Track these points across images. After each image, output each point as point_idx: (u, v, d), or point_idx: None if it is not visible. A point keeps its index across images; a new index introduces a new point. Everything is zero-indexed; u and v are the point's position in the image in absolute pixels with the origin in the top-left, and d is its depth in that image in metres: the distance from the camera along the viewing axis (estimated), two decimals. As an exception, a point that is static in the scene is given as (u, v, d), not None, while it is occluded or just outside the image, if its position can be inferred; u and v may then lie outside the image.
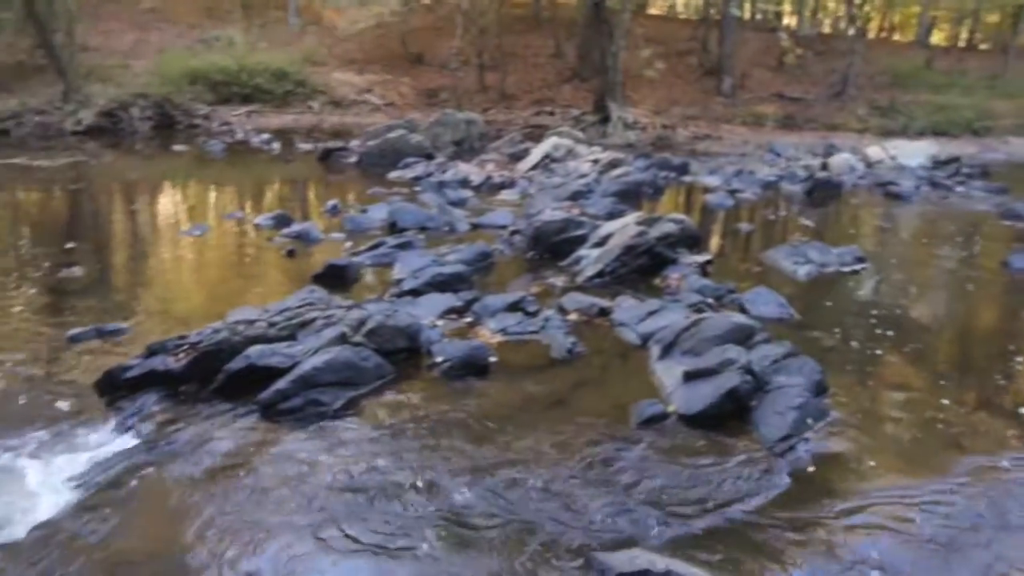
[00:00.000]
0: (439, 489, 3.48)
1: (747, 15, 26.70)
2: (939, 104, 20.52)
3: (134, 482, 3.49)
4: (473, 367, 4.72)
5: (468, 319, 5.59)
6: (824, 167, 13.72)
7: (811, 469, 3.80)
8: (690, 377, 4.50)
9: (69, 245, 7.42)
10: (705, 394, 4.30)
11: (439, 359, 4.76)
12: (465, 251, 7.06)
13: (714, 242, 8.89)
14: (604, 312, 5.79)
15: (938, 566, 3.12)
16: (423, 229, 8.20)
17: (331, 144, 14.33)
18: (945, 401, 4.60)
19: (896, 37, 30.78)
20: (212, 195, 11.31)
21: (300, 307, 5.01)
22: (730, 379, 4.34)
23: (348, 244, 7.66)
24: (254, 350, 4.40)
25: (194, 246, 7.72)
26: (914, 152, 15.12)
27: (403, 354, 4.85)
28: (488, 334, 5.29)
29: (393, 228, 8.28)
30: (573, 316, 5.72)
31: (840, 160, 14.08)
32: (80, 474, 3.53)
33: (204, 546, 3.05)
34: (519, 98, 21.46)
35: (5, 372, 4.54)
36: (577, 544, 3.14)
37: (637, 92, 20.56)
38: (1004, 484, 3.71)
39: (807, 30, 26.33)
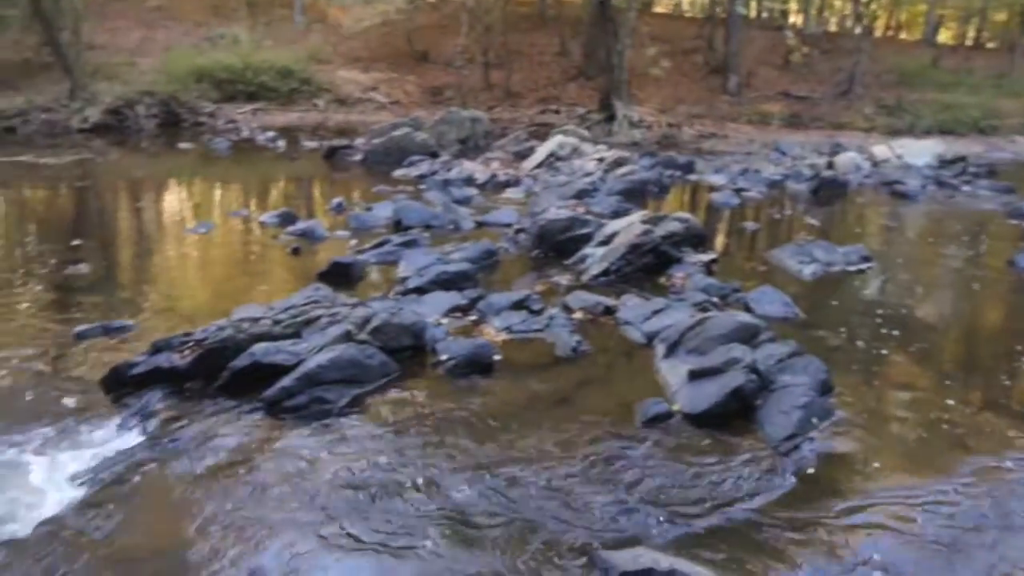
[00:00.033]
0: (443, 487, 3.49)
1: (753, 13, 26.64)
2: (946, 103, 20.44)
3: (139, 479, 3.50)
4: (478, 365, 4.72)
5: (473, 317, 5.59)
6: (830, 166, 13.68)
7: (816, 469, 3.79)
8: (695, 376, 4.49)
9: (75, 242, 7.45)
10: (710, 393, 4.29)
11: (444, 357, 4.77)
12: (470, 249, 7.06)
13: (719, 241, 8.87)
14: (609, 311, 5.78)
15: (942, 567, 3.11)
16: (428, 227, 8.21)
17: (336, 142, 14.34)
18: (950, 401, 4.58)
19: (903, 35, 30.66)
20: (217, 193, 11.33)
21: (305, 305, 5.02)
22: (735, 378, 4.33)
23: (353, 242, 7.67)
24: (259, 347, 4.41)
25: (199, 244, 7.74)
26: (920, 151, 15.07)
27: (408, 352, 4.85)
28: (493, 332, 5.29)
29: (398, 226, 8.29)
30: (578, 314, 5.71)
31: (846, 159, 14.04)
32: (86, 470, 3.54)
33: (209, 543, 3.06)
34: (524, 96, 21.45)
35: (12, 368, 4.56)
36: (581, 542, 3.14)
37: (643, 90, 20.53)
38: (1009, 485, 3.69)
39: (813, 28, 26.26)
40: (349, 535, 3.13)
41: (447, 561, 3.00)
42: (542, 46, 24.05)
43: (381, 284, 6.44)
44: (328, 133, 16.80)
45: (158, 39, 21.28)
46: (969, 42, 28.85)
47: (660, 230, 7.13)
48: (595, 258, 6.99)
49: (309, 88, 20.09)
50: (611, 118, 17.67)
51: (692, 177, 12.87)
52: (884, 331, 5.73)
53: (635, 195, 10.54)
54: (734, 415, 4.21)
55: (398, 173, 11.86)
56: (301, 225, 8.08)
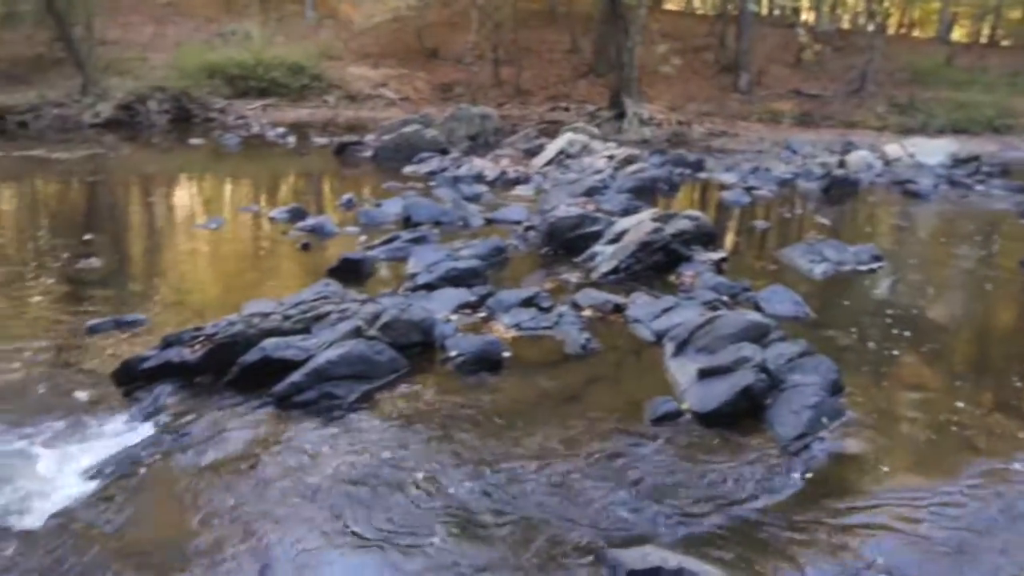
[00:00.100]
0: (451, 483, 3.49)
1: (765, 11, 26.48)
2: (960, 101, 20.27)
3: (149, 472, 3.52)
4: (487, 362, 4.72)
5: (482, 314, 5.59)
6: (841, 165, 13.59)
7: (826, 469, 3.78)
8: (704, 375, 4.48)
9: (87, 236, 7.49)
10: (719, 392, 4.28)
11: (453, 353, 4.77)
12: (479, 246, 7.06)
13: (729, 239, 8.84)
14: (618, 308, 5.77)
15: (950, 569, 3.09)
16: (437, 224, 8.21)
17: (346, 138, 14.37)
18: (961, 402, 4.55)
19: (916, 33, 30.42)
20: (228, 188, 11.37)
21: (315, 300, 5.03)
22: (745, 377, 4.31)
23: (363, 238, 7.69)
24: (269, 343, 4.43)
25: (210, 239, 7.77)
26: (933, 150, 14.96)
27: (417, 348, 4.86)
28: (502, 329, 5.29)
29: (407, 222, 8.30)
30: (587, 312, 5.71)
31: (858, 158, 13.96)
32: (96, 463, 3.57)
33: (217, 536, 3.07)
34: (534, 93, 21.42)
35: (25, 360, 4.59)
36: (588, 540, 3.13)
37: (653, 88, 20.46)
38: (1019, 487, 3.66)
39: (826, 26, 26.08)
40: (356, 531, 3.14)
41: (454, 558, 3.01)
42: (552, 43, 24.00)
43: (390, 280, 6.45)
44: (338, 129, 16.82)
45: (170, 35, 21.37)
46: (984, 40, 28.58)
47: (670, 228, 7.11)
48: (604, 256, 6.98)
49: (319, 84, 20.12)
50: (621, 116, 17.62)
51: (702, 175, 12.81)
52: (895, 331, 5.69)
53: (645, 193, 10.51)
54: (743, 414, 4.20)
55: (408, 170, 11.87)
56: (311, 221, 8.10)
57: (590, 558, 3.03)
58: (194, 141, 14.77)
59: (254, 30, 21.24)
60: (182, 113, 16.99)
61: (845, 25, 28.55)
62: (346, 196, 9.51)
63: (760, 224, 9.38)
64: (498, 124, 15.81)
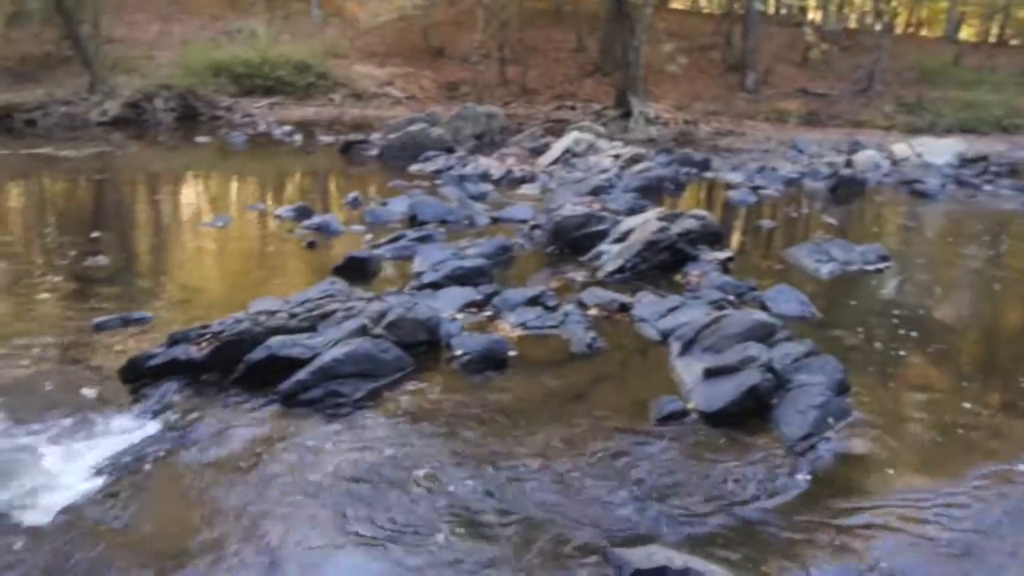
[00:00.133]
0: (456, 482, 3.49)
1: (771, 10, 26.42)
2: (968, 101, 20.18)
3: (156, 469, 3.53)
4: (492, 361, 4.72)
5: (488, 313, 5.59)
6: (848, 164, 13.55)
7: (832, 469, 3.77)
8: (710, 374, 4.47)
9: (95, 234, 7.51)
10: (725, 391, 4.27)
11: (458, 352, 4.77)
12: (485, 245, 7.06)
13: (736, 239, 8.82)
14: (624, 308, 5.77)
15: (955, 571, 3.08)
16: (443, 222, 8.21)
17: (352, 137, 14.38)
18: (968, 403, 4.53)
19: (924, 32, 30.29)
20: (234, 186, 11.40)
21: (321, 299, 5.04)
22: (751, 377, 4.30)
23: (368, 236, 7.69)
24: (275, 341, 4.43)
25: (216, 237, 7.79)
26: (941, 149, 14.89)
27: (423, 347, 4.86)
28: (508, 328, 5.29)
29: (413, 221, 8.30)
30: (593, 311, 5.70)
31: (865, 157, 13.91)
32: (103, 460, 3.58)
33: (223, 533, 3.08)
34: (540, 92, 21.40)
35: (33, 357, 4.61)
36: (594, 540, 3.13)
37: (659, 87, 20.43)
38: (1026, 489, 3.65)
39: (833, 25, 25.98)
40: (361, 528, 3.14)
41: (459, 556, 3.01)
42: (558, 42, 23.98)
43: (396, 279, 6.46)
44: (344, 128, 16.85)
45: (176, 33, 21.42)
46: (992, 39, 28.46)
47: (676, 227, 7.10)
48: (610, 255, 6.97)
49: (325, 83, 20.14)
50: (627, 115, 17.59)
51: (708, 174, 12.79)
52: (902, 331, 5.67)
53: (651, 192, 10.49)
54: (749, 414, 4.18)
55: (414, 168, 11.88)
56: (317, 219, 8.11)
57: (595, 557, 3.03)
58: (200, 139, 14.81)
59: (260, 28, 21.27)
60: (188, 111, 17.03)
61: (852, 24, 28.42)
62: (352, 194, 9.52)
63: (766, 223, 9.36)
64: (504, 123, 15.80)
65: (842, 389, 4.45)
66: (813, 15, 28.03)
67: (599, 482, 3.54)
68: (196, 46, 19.83)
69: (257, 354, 4.36)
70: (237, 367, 4.35)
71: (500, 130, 15.33)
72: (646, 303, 5.84)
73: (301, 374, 4.23)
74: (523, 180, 11.30)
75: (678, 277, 6.71)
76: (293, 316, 4.77)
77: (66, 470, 3.49)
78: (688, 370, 4.69)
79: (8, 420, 3.87)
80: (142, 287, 6.19)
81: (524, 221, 8.41)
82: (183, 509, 3.26)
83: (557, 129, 15.57)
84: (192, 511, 3.23)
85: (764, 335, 4.90)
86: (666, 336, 5.23)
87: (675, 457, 3.79)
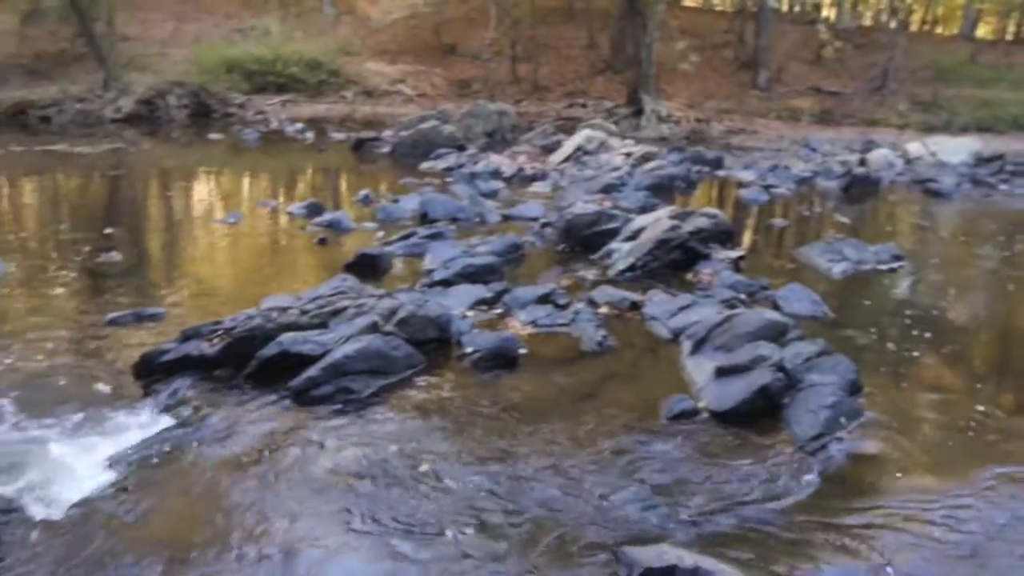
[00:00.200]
0: (466, 479, 3.49)
1: (784, 7, 26.24)
2: (984, 99, 19.98)
3: (167, 464, 3.55)
4: (503, 358, 4.72)
5: (498, 310, 5.59)
6: (862, 163, 13.46)
7: (843, 469, 3.75)
8: (721, 373, 4.45)
9: (108, 230, 7.57)
10: (736, 391, 4.25)
11: (469, 350, 4.77)
12: (496, 242, 7.06)
13: (747, 238, 8.78)
14: (635, 306, 5.75)
15: (964, 572, 3.05)
16: (454, 220, 8.22)
17: (364, 134, 14.42)
18: (981, 404, 4.49)
19: (939, 30, 30.01)
20: (246, 183, 11.46)
21: (332, 295, 5.06)
22: (762, 376, 4.29)
23: (380, 234, 7.71)
24: (286, 337, 4.45)
25: (228, 233, 7.82)
26: (956, 148, 14.76)
27: (433, 344, 4.87)
28: (518, 326, 5.29)
29: (424, 218, 8.31)
30: (604, 309, 5.69)
31: (878, 156, 13.81)
32: (116, 455, 3.60)
33: (234, 528, 3.10)
34: (552, 90, 21.37)
35: (47, 352, 4.65)
36: (604, 538, 3.13)
37: (671, 85, 20.35)
38: (1040, 491, 3.61)
39: (847, 22, 25.77)
40: (370, 525, 3.15)
41: (468, 553, 3.01)
42: (570, 39, 23.92)
43: (407, 276, 6.47)
44: (355, 125, 16.89)
45: (189, 30, 21.53)
46: (1009, 37, 28.16)
47: (688, 226, 7.08)
48: (621, 253, 6.96)
49: (337, 80, 20.20)
50: (639, 112, 17.53)
51: (720, 173, 12.73)
52: (915, 332, 5.63)
53: (663, 190, 10.46)
54: (761, 413, 4.17)
55: (425, 166, 11.89)
56: (328, 216, 8.14)
57: (605, 555, 3.02)
58: (213, 136, 14.88)
59: (273, 25, 21.35)
60: (201, 108, 17.12)
61: (866, 22, 28.21)
62: (363, 192, 9.54)
63: (778, 222, 9.31)
64: (515, 120, 15.80)
65: (854, 389, 4.43)
66: (827, 12, 27.82)
67: (609, 480, 3.53)
68: (210, 43, 19.93)
69: (269, 350, 4.38)
70: (249, 363, 4.37)
71: (511, 128, 15.33)
72: (657, 301, 5.82)
73: (312, 371, 4.25)
74: (534, 178, 11.30)
75: (689, 276, 6.69)
76: (305, 313, 4.79)
77: (79, 464, 3.51)
78: (699, 369, 4.68)
79: (22, 414, 3.90)
80: (155, 283, 6.24)
81: (535, 219, 8.41)
82: (195, 504, 3.29)
83: (568, 127, 15.54)
84: (203, 506, 3.26)
85: (776, 334, 4.88)
86: (677, 335, 5.22)
87: (685, 456, 3.78)
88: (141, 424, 3.89)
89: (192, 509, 3.26)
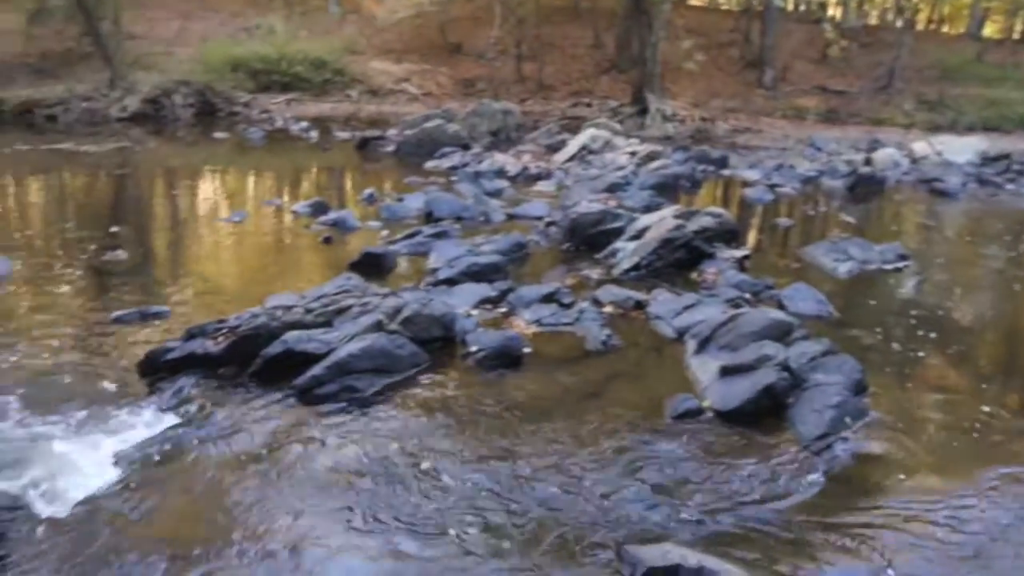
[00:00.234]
0: (469, 478, 3.49)
1: (790, 6, 26.18)
2: (991, 98, 19.89)
3: (172, 462, 3.56)
4: (507, 357, 4.72)
5: (503, 309, 5.59)
6: (867, 162, 13.43)
7: (847, 469, 3.74)
8: (726, 372, 4.45)
9: (113, 229, 7.59)
10: (741, 390, 4.25)
11: (473, 348, 4.77)
12: (500, 241, 7.06)
13: (752, 237, 8.77)
14: (640, 305, 5.75)
15: (971, 574, 3.04)
16: (459, 219, 8.22)
17: (368, 133, 14.42)
18: (987, 405, 4.47)
19: (946, 29, 29.90)
20: (251, 182, 11.47)
21: (337, 294, 5.06)
22: (767, 375, 4.28)
23: (384, 232, 7.71)
24: (291, 335, 4.46)
25: (233, 232, 7.84)
26: (962, 148, 14.71)
27: (438, 343, 4.87)
28: (523, 325, 5.29)
29: (429, 217, 8.32)
30: (608, 308, 5.69)
31: (884, 155, 13.77)
32: (120, 453, 3.61)
33: (237, 526, 3.10)
34: (556, 89, 21.35)
35: (52, 350, 4.66)
36: (608, 537, 3.12)
37: (676, 84, 20.31)
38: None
39: (853, 21, 25.71)
40: (373, 523, 3.15)
41: (472, 551, 3.01)
42: (575, 38, 23.90)
43: (412, 275, 6.47)
44: (360, 124, 16.90)
45: (195, 29, 21.57)
46: (1016, 35, 28.03)
47: (692, 225, 7.07)
48: (626, 252, 6.95)
49: (342, 79, 20.21)
50: (644, 112, 17.51)
51: (725, 172, 12.71)
52: (920, 332, 5.61)
53: (667, 189, 10.44)
54: (765, 413, 4.16)
55: (429, 164, 11.89)
56: (333, 215, 8.14)
57: (609, 554, 3.02)
58: (218, 135, 14.90)
59: (278, 24, 21.37)
60: (207, 107, 17.15)
61: (873, 21, 28.12)
62: (368, 191, 9.54)
63: (784, 222, 9.28)
64: (520, 119, 15.79)
65: (860, 389, 4.41)
66: (833, 11, 27.75)
67: (613, 479, 3.53)
68: (215, 42, 19.96)
69: (273, 349, 4.38)
70: (253, 361, 4.38)
71: (516, 127, 15.32)
72: (662, 301, 5.81)
73: (317, 369, 4.26)
74: (539, 177, 11.29)
75: (694, 275, 6.68)
76: (309, 311, 4.79)
77: (84, 461, 3.52)
78: (704, 368, 4.67)
79: (28, 411, 3.91)
80: (160, 281, 6.25)
81: (540, 218, 8.40)
82: (199, 502, 3.29)
83: (573, 126, 15.53)
84: (208, 504, 3.26)
85: (781, 334, 4.87)
86: (682, 334, 5.21)
87: (690, 455, 3.77)
88: (146, 422, 3.89)
89: (196, 507, 3.26)
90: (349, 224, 7.92)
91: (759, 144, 16.23)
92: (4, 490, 3.24)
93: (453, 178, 10.80)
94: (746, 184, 11.57)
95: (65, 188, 10.35)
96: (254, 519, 3.15)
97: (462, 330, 5.02)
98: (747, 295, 6.03)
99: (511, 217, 8.62)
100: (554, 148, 13.35)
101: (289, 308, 4.78)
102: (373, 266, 6.42)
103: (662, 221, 7.14)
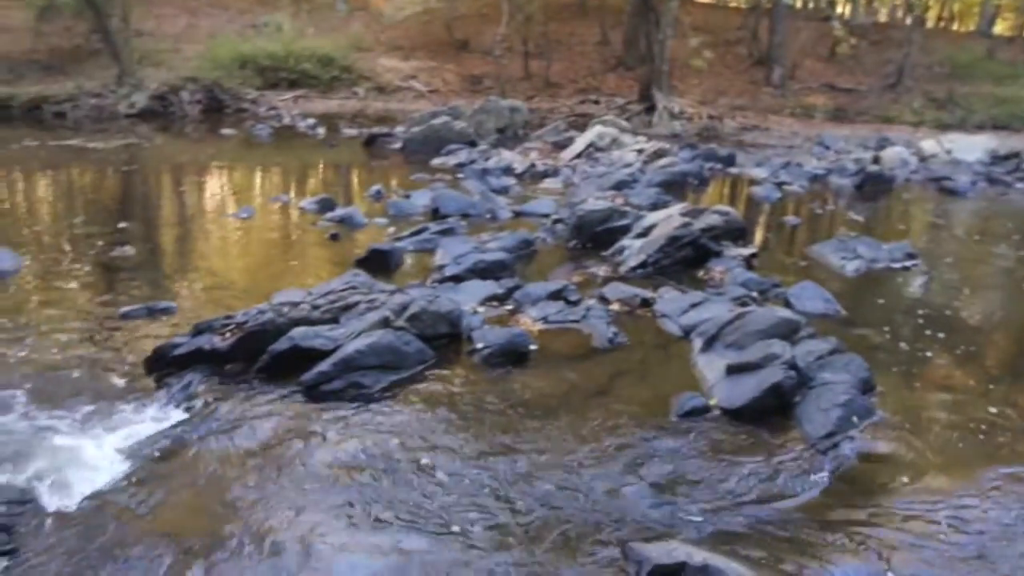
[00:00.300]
0: (474, 475, 3.50)
1: (799, 3, 26.09)
2: (1001, 96, 19.78)
3: (179, 457, 3.57)
4: (513, 354, 4.72)
5: (509, 307, 5.59)
6: (876, 161, 13.37)
7: (854, 468, 3.72)
8: (733, 371, 4.44)
9: (121, 225, 7.62)
10: (748, 388, 4.24)
11: (480, 345, 4.77)
12: (507, 239, 7.06)
13: (760, 235, 8.74)
14: (646, 303, 5.74)
15: (976, 574, 3.03)
16: (465, 216, 8.22)
17: (375, 130, 14.45)
18: (994, 405, 4.45)
19: (956, 27, 29.73)
20: (258, 178, 11.49)
21: (343, 290, 5.06)
22: (773, 374, 4.26)
23: (391, 229, 7.72)
24: (298, 332, 4.47)
25: (240, 228, 7.86)
26: (971, 146, 14.63)
27: (444, 340, 4.87)
28: (529, 322, 5.29)
29: (436, 214, 8.32)
30: (615, 306, 5.68)
31: (892, 154, 13.71)
32: (128, 447, 3.63)
33: (243, 521, 3.11)
34: (564, 86, 21.33)
35: (61, 345, 4.69)
36: (614, 534, 3.12)
37: (684, 82, 20.27)
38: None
39: (862, 19, 25.60)
40: (379, 519, 3.16)
41: (477, 548, 3.01)
42: (582, 36, 23.87)
43: (418, 272, 6.48)
44: (367, 121, 16.92)
45: (203, 26, 21.63)
46: (1026, 34, 27.85)
47: (699, 223, 7.05)
48: (633, 250, 6.94)
49: (349, 76, 20.24)
50: (651, 109, 17.49)
51: (733, 170, 12.67)
52: (928, 331, 5.59)
53: (674, 187, 10.43)
54: (772, 411, 4.15)
55: (436, 161, 11.90)
56: (340, 211, 8.16)
57: (614, 552, 3.02)
58: (226, 131, 14.94)
59: (286, 21, 21.42)
60: (214, 104, 17.22)
61: (882, 18, 27.98)
62: (375, 187, 9.56)
63: (791, 220, 9.26)
64: (527, 117, 15.79)
65: (867, 388, 4.40)
66: (841, 9, 27.63)
67: (618, 477, 3.53)
68: (223, 39, 20.01)
69: (280, 345, 4.39)
70: (260, 357, 4.39)
71: (523, 124, 15.33)
72: (668, 299, 5.80)
73: (323, 365, 4.26)
74: (546, 174, 11.28)
75: (701, 273, 6.67)
76: (316, 307, 4.80)
77: (92, 456, 3.54)
78: (710, 366, 4.66)
79: (36, 405, 3.94)
80: (167, 277, 6.28)
81: (546, 215, 8.40)
82: (205, 496, 3.30)
83: (580, 123, 15.52)
84: (214, 499, 3.27)
85: (788, 332, 4.86)
86: (688, 332, 5.20)
87: (695, 453, 3.77)
88: (153, 417, 3.92)
89: (203, 502, 3.27)
90: (356, 221, 7.93)
91: (767, 142, 16.18)
92: (12, 483, 3.26)
93: (460, 175, 10.81)
94: (753, 182, 11.53)
95: (73, 184, 10.39)
96: (260, 514, 3.16)
97: (468, 327, 5.02)
98: (754, 293, 6.01)
99: (518, 214, 8.62)
100: (561, 145, 13.34)
101: (296, 304, 4.79)
102: (380, 263, 6.43)
103: (669, 219, 7.12)
